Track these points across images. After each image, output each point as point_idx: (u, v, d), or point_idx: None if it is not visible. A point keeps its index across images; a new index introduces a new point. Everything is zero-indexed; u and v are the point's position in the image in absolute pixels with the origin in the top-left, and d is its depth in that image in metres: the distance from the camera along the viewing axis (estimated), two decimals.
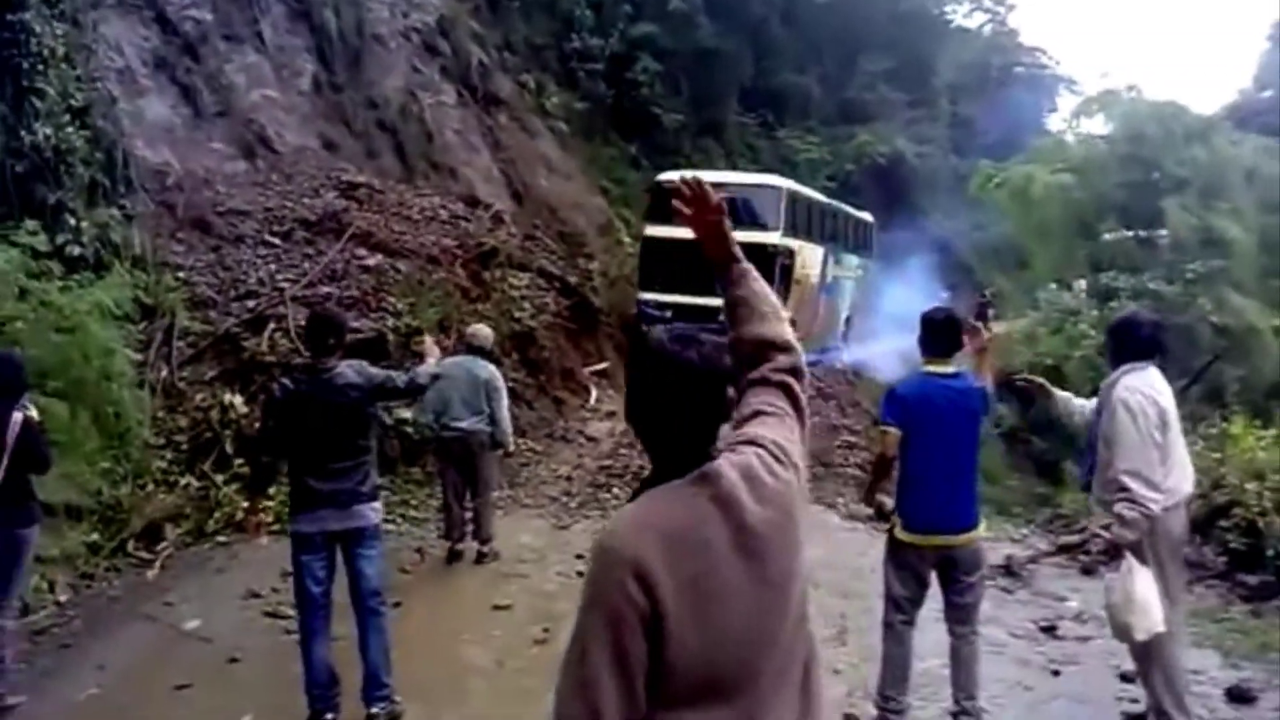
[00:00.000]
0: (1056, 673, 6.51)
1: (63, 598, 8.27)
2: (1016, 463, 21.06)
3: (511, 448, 9.80)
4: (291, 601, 6.16)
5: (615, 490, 11.87)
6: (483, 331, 9.61)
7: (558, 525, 10.47)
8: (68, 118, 11.35)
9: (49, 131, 11.00)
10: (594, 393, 16.44)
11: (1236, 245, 15.96)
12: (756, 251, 17.97)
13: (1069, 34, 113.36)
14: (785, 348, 2.60)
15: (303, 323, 12.51)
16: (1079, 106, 18.89)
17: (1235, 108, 50.64)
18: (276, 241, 14.15)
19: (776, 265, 18.76)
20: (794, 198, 20.81)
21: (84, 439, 9.81)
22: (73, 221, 11.06)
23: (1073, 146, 18.94)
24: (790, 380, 2.56)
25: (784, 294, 18.69)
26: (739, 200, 19.75)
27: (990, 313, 31.21)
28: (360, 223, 15.02)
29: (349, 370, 5.68)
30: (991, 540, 9.62)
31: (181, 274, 12.82)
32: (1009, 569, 8.88)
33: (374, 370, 5.89)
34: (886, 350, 21.90)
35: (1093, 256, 17.59)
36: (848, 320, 25.19)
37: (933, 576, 5.54)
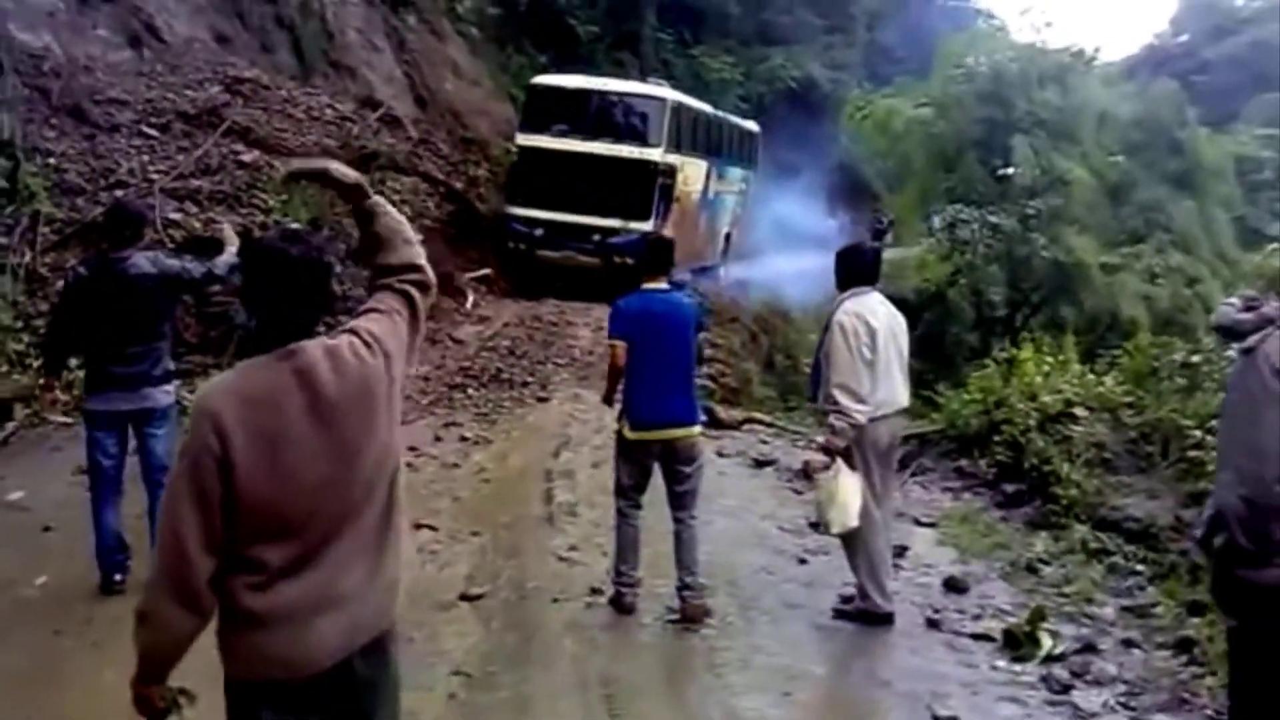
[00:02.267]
0: (803, 561, 7.18)
1: None
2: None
3: None
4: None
5: (470, 390, 12.32)
6: (295, 231, 9.65)
7: (402, 420, 10.87)
8: None
9: None
10: (470, 297, 16.77)
11: (1077, 185, 16.68)
12: (637, 168, 18.33)
13: None
14: (416, 269, 3.03)
15: (170, 215, 12.88)
16: (957, 44, 19.27)
17: (1152, 51, 51.56)
18: (153, 133, 14.17)
19: (656, 183, 18.70)
20: (678, 110, 20.34)
21: None
22: None
23: (934, 82, 19.43)
24: (412, 290, 3.01)
25: (663, 212, 18.84)
26: (620, 110, 19.79)
27: (886, 238, 32.02)
28: (240, 118, 15.07)
29: (143, 260, 6.02)
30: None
31: (52, 160, 12.88)
32: (806, 473, 9.51)
33: (170, 261, 6.25)
34: (770, 272, 22.43)
35: (952, 190, 18.24)
36: (727, 237, 24.75)
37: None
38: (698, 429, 6.22)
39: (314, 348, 2.74)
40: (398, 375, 2.89)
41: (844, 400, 5.67)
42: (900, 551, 7.37)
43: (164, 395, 6.13)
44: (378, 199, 3.12)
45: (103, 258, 6.09)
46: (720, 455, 10.22)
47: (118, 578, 6.05)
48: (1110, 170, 17.32)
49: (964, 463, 9.68)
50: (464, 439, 10.33)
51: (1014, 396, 9.61)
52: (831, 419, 5.74)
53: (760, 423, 11.64)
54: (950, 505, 8.93)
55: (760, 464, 9.94)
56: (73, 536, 6.50)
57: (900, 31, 40.87)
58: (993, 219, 16.66)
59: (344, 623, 2.73)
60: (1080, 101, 17.96)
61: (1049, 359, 10.40)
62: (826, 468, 5.78)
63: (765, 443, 10.82)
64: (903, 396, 6.08)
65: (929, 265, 21.80)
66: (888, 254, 30.80)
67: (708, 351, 15.07)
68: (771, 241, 24.31)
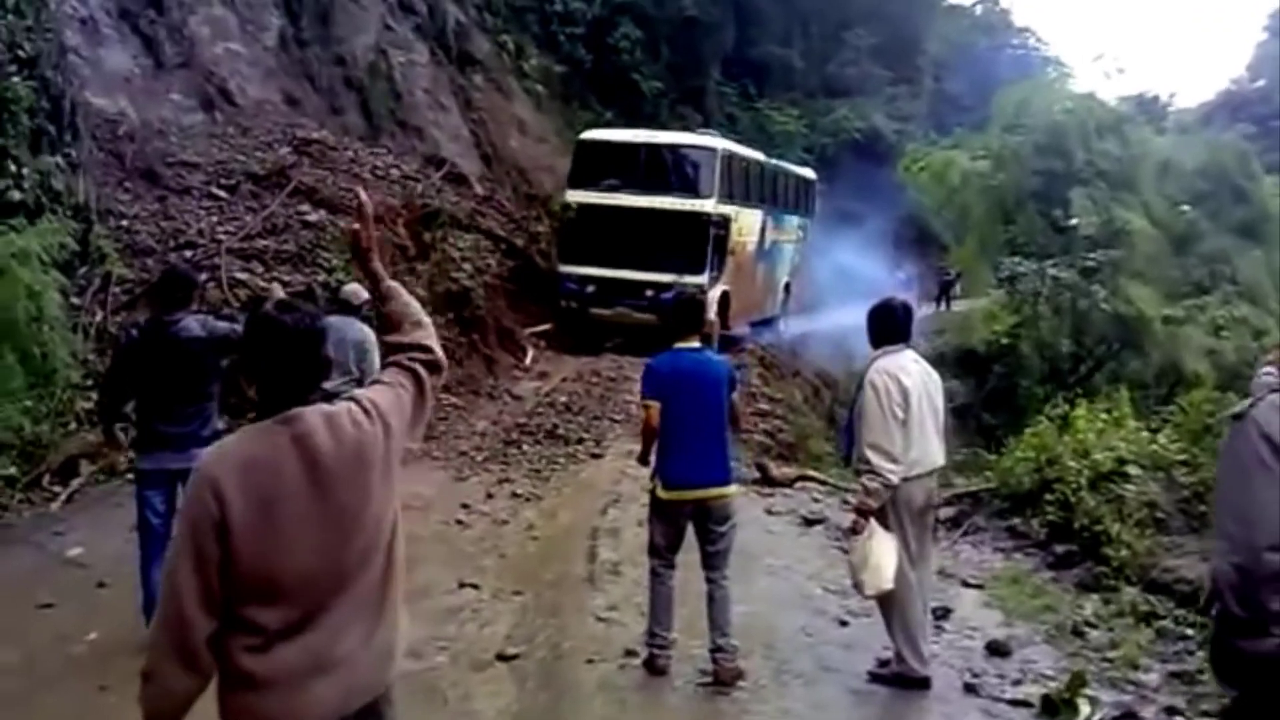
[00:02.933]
0: (844, 623, 7.12)
1: None
2: (966, 436, 21.64)
3: None
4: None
5: (525, 447, 12.45)
6: (351, 289, 9.44)
7: (457, 477, 11.03)
8: (14, 68, 11.84)
9: None
10: (530, 353, 16.97)
11: (1138, 236, 16.48)
12: (689, 221, 18.14)
13: (1065, 17, 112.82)
14: (425, 350, 3.16)
15: (236, 275, 13.22)
16: (1014, 95, 19.21)
17: (1229, 96, 50.86)
18: (222, 194, 14.63)
19: (710, 235, 18.39)
20: (729, 158, 19.98)
21: (8, 377, 10.33)
22: (14, 168, 11.54)
23: (992, 134, 19.36)
24: (419, 369, 3.13)
25: (718, 264, 18.63)
26: (670, 161, 19.57)
27: (954, 290, 31.77)
28: (307, 178, 15.51)
29: (193, 323, 6.24)
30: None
31: (125, 222, 13.34)
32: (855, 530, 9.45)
33: (219, 323, 6.44)
34: (833, 324, 22.28)
35: (1012, 241, 18.13)
36: (787, 287, 24.27)
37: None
38: (733, 488, 6.23)
39: (312, 414, 2.84)
40: (396, 446, 2.96)
41: (877, 460, 5.66)
42: (944, 613, 7.31)
43: None
44: (392, 285, 3.22)
45: (155, 320, 6.32)
46: (770, 513, 10.22)
47: None
48: (1174, 220, 17.11)
49: (1016, 522, 9.55)
50: (516, 495, 10.43)
51: (1066, 454, 9.48)
52: (864, 479, 5.73)
53: (813, 480, 11.58)
54: (1000, 566, 8.81)
55: (810, 522, 9.89)
56: (124, 594, 6.65)
57: (967, 81, 40.85)
58: (1052, 271, 16.51)
59: (338, 687, 2.79)
60: (1140, 152, 17.81)
61: (1103, 415, 10.26)
62: (858, 530, 5.78)
63: (817, 500, 10.77)
64: (938, 456, 6.04)
65: (998, 318, 21.63)
66: (957, 306, 30.54)
67: (763, 406, 15.19)
68: (835, 293, 24.19)
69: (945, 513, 10.02)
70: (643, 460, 6.22)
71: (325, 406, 2.91)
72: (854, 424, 5.98)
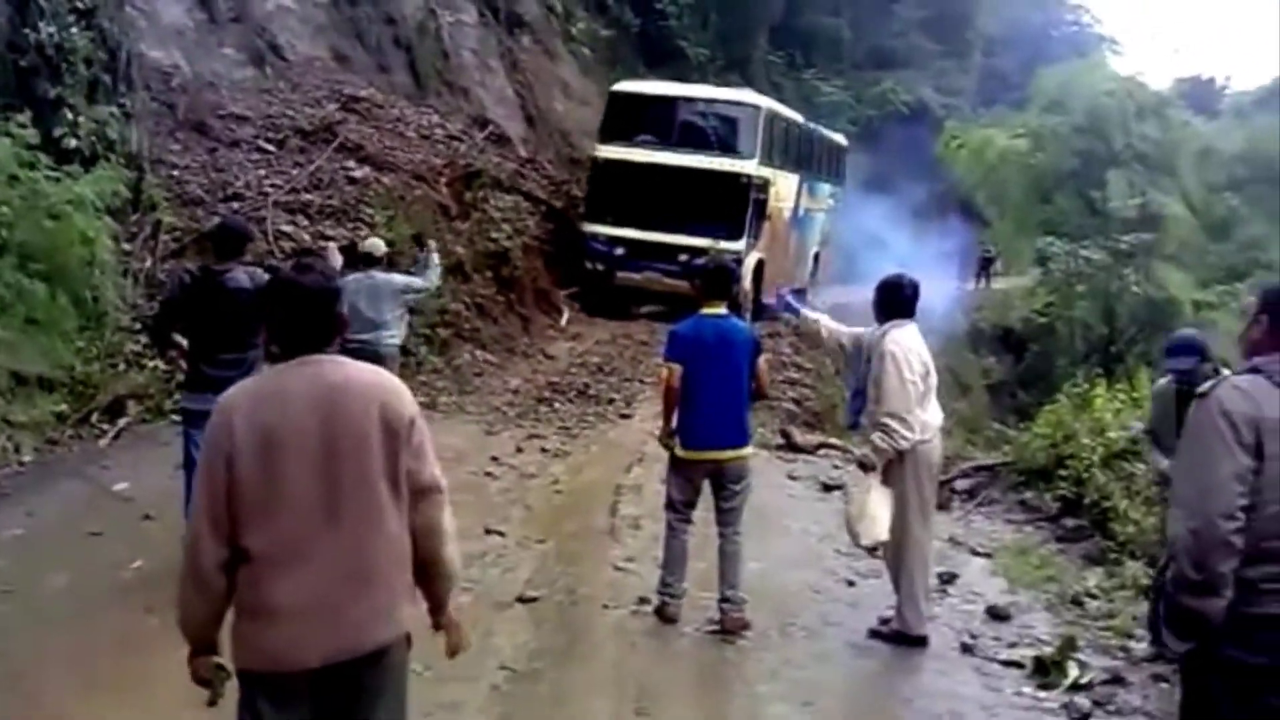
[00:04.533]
0: (851, 583, 7.39)
1: (26, 459, 9.24)
2: (1000, 413, 21.75)
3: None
4: None
5: (556, 405, 12.77)
6: (371, 243, 9.98)
7: (488, 431, 11.34)
8: (73, 18, 12.18)
9: (52, 30, 11.83)
10: (566, 314, 17.25)
11: (1173, 220, 16.51)
12: (728, 182, 17.55)
13: None
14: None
15: (281, 227, 13.58)
16: (1054, 76, 19.15)
17: None
18: (270, 148, 14.96)
19: (750, 199, 17.60)
20: (772, 118, 19.07)
21: (61, 318, 10.75)
22: (70, 116, 11.89)
23: (1031, 113, 19.34)
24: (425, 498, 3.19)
25: (755, 231, 18.07)
26: (711, 118, 18.63)
27: (994, 267, 31.72)
28: (353, 135, 15.81)
29: (242, 274, 6.58)
30: None
31: (175, 172, 13.71)
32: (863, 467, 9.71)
33: (266, 276, 6.77)
34: (863, 299, 22.27)
35: (1048, 221, 18.17)
36: (816, 257, 23.50)
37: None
38: (748, 450, 6.51)
39: (329, 359, 3.09)
40: (407, 442, 3.08)
41: (896, 425, 5.92)
42: (950, 578, 7.58)
43: None
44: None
45: (206, 269, 6.68)
46: (791, 478, 10.47)
47: None
48: (1212, 206, 17.09)
49: (1029, 495, 9.78)
50: (544, 451, 10.74)
51: (1082, 431, 9.68)
52: (876, 437, 5.98)
53: (835, 448, 11.82)
54: (1010, 537, 9.04)
55: (829, 488, 10.13)
56: (169, 526, 7.02)
57: (1018, 57, 40.51)
58: (1085, 253, 16.57)
59: (324, 632, 2.95)
60: (1180, 136, 17.77)
61: (1122, 395, 10.43)
62: (865, 469, 6.11)
63: (837, 467, 10.99)
64: (940, 417, 6.35)
65: (1038, 297, 21.63)
66: (997, 284, 30.34)
67: (792, 374, 15.41)
68: (871, 264, 24.21)
69: (961, 484, 10.29)
70: (665, 415, 6.46)
71: (346, 359, 3.14)
72: (866, 392, 6.22)
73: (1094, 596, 7.43)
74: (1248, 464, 3.22)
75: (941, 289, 24.97)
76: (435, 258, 10.30)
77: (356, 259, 9.85)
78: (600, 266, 18.06)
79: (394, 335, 9.60)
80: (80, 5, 12.29)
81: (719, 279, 6.52)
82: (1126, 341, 17.38)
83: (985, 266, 31.98)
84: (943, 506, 9.64)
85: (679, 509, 6.41)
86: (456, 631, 3.37)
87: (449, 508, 3.21)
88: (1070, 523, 8.95)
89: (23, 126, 10.86)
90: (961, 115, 34.95)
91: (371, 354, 9.52)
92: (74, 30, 12.05)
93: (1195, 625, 3.31)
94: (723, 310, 6.41)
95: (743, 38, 32.13)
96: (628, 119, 18.84)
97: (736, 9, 31.63)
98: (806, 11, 34.71)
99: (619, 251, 17.78)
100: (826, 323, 7.02)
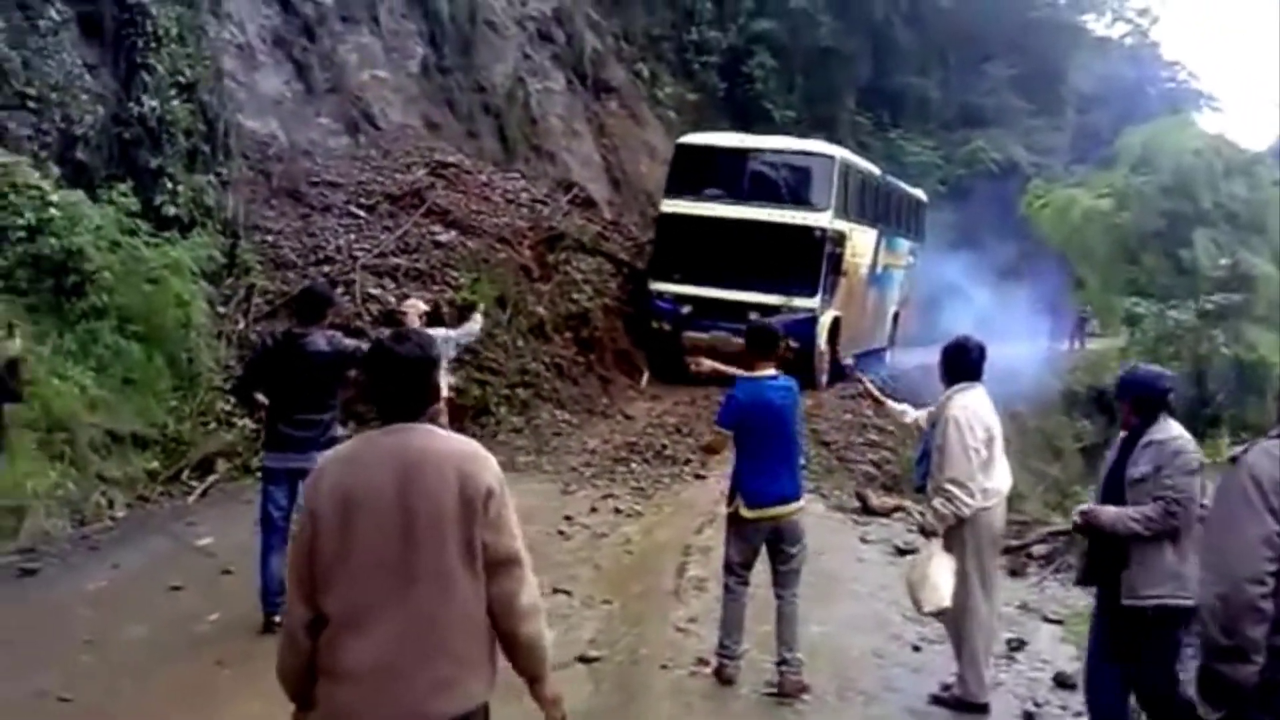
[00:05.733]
0: (917, 648, 7.33)
1: (119, 514, 9.63)
2: (1094, 477, 21.20)
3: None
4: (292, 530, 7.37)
5: (633, 465, 12.84)
6: (410, 304, 10.50)
7: (564, 491, 11.46)
8: (174, 92, 12.78)
9: (155, 104, 12.44)
10: (645, 375, 17.36)
11: (1264, 281, 16.17)
12: (801, 236, 16.93)
13: (1219, 50, 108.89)
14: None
15: (370, 290, 13.97)
16: (1140, 135, 18.95)
17: None
18: (360, 213, 15.46)
19: (824, 253, 16.90)
20: (847, 169, 18.18)
21: (157, 378, 11.25)
22: (170, 185, 12.49)
23: (1117, 173, 19.11)
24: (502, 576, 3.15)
25: (830, 287, 17.39)
26: (783, 170, 17.93)
27: (1087, 327, 31.18)
28: (441, 200, 16.26)
29: (321, 339, 6.87)
30: None
31: (269, 237, 14.24)
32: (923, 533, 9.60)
33: (346, 341, 7.11)
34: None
35: (1135, 282, 17.91)
36: (895, 317, 22.69)
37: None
38: (803, 502, 6.60)
39: (418, 428, 3.16)
40: (487, 517, 3.07)
41: (957, 492, 5.93)
42: (1019, 645, 7.48)
43: None
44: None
45: (288, 332, 7.01)
46: (864, 541, 10.42)
47: (277, 619, 6.76)
48: None
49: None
50: (618, 511, 10.82)
51: None
52: (938, 503, 5.99)
53: (910, 511, 11.72)
54: (1084, 604, 8.83)
55: (903, 552, 10.02)
56: (246, 580, 7.27)
57: (1112, 114, 40.04)
58: (1172, 314, 16.30)
59: (387, 697, 2.98)
60: (1270, 195, 17.46)
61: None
62: (925, 535, 6.15)
63: (912, 531, 10.90)
64: (1007, 484, 6.35)
65: (1129, 358, 21.14)
66: (1091, 345, 29.68)
67: (873, 437, 15.32)
68: (958, 325, 23.88)
69: (1038, 550, 10.13)
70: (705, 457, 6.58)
71: (434, 428, 3.20)
72: (931, 455, 6.24)
73: None
74: (1275, 528, 3.22)
75: (1031, 350, 24.67)
76: (479, 318, 10.76)
77: (435, 319, 10.20)
78: (667, 326, 17.39)
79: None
80: (182, 79, 12.92)
81: (765, 339, 6.61)
82: (1219, 405, 16.97)
83: (1080, 326, 31.46)
84: (1016, 572, 9.56)
85: (736, 571, 6.47)
86: (553, 708, 3.26)
87: (530, 583, 3.15)
88: None
89: (124, 195, 11.46)
90: (1053, 173, 34.53)
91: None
92: (175, 103, 12.68)
93: (1228, 692, 3.30)
94: (772, 371, 6.49)
95: (829, 99, 32.26)
96: (695, 172, 18.25)
97: (823, 70, 31.84)
98: (894, 72, 34.72)
99: (686, 310, 17.15)
100: (906, 412, 7.16)
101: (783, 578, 6.43)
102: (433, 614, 3.02)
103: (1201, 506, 4.96)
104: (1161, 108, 41.98)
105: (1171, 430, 5.22)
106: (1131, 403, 5.38)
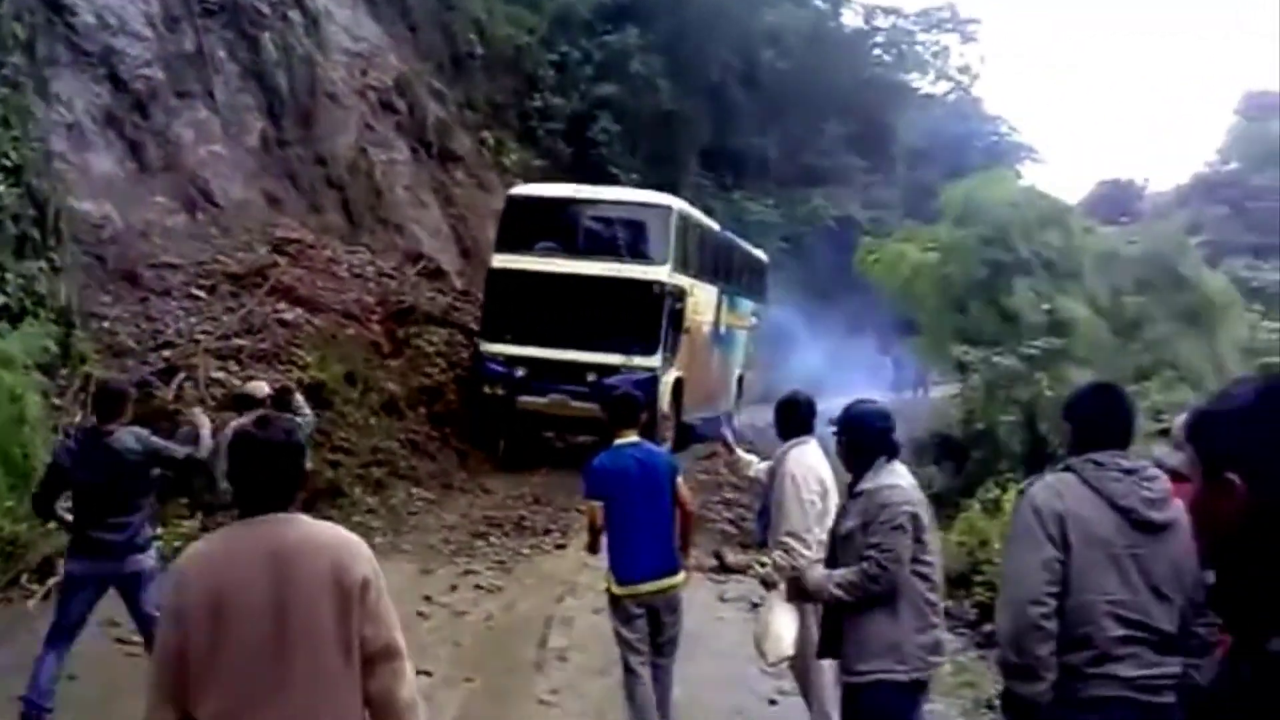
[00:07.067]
0: (773, 702, 7.52)
1: None
2: (943, 523, 21.84)
3: None
4: (134, 628, 7.10)
5: (493, 539, 12.75)
6: (252, 386, 9.87)
7: (423, 570, 11.33)
8: (0, 176, 12.40)
9: None
10: (502, 445, 17.30)
11: (1082, 324, 17.09)
12: (639, 291, 16.07)
13: (1038, 103, 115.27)
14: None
15: (212, 374, 13.67)
16: (960, 189, 19.94)
17: (1203, 178, 51.89)
18: (201, 294, 15.13)
19: (664, 308, 16.16)
20: (685, 221, 17.58)
21: None
22: None
23: (941, 226, 20.05)
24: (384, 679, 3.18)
25: (671, 343, 16.65)
26: (619, 222, 17.25)
27: (929, 376, 32.26)
28: (285, 278, 16.03)
29: (128, 436, 6.64)
30: None
31: (106, 324, 13.81)
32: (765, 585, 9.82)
33: (154, 440, 6.87)
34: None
35: (963, 330, 18.70)
36: (740, 380, 22.23)
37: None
38: (680, 576, 6.61)
39: (286, 518, 3.11)
40: (367, 609, 3.06)
41: (794, 545, 6.09)
42: None
43: (148, 560, 6.74)
44: None
45: (91, 430, 6.79)
46: (721, 600, 10.57)
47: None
48: (1118, 308, 17.71)
49: (949, 604, 9.92)
50: (478, 587, 10.75)
51: (994, 537, 9.91)
52: (776, 555, 6.15)
53: (754, 565, 11.95)
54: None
55: (758, 607, 10.23)
56: (93, 687, 7.03)
57: (940, 168, 41.74)
58: (996, 359, 17.07)
59: None
60: (1081, 243, 18.55)
61: None
62: (767, 587, 6.29)
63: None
64: None
65: (963, 404, 21.96)
66: (934, 393, 30.71)
67: (728, 495, 15.55)
68: (810, 382, 24.46)
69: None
70: (591, 549, 6.59)
71: (305, 517, 3.18)
72: (769, 511, 6.43)
73: None
74: (1053, 554, 3.52)
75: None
76: (299, 398, 9.80)
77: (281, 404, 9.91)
78: (500, 390, 16.17)
79: None
80: (7, 163, 12.51)
81: (626, 406, 6.70)
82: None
83: (923, 375, 32.54)
84: None
85: (636, 648, 6.37)
86: None
87: (409, 677, 3.14)
88: (988, 628, 9.06)
89: None
90: (888, 227, 35.69)
91: None
92: (1, 188, 12.26)
93: (1024, 710, 3.56)
94: (635, 438, 6.54)
95: (672, 161, 32.82)
96: (526, 226, 17.24)
97: (665, 133, 32.42)
98: (735, 133, 35.56)
99: (520, 373, 16.08)
100: (751, 464, 7.40)
101: (661, 648, 6.47)
102: (313, 714, 2.99)
103: (920, 562, 4.65)
104: (986, 161, 43.87)
105: (882, 479, 4.76)
106: (845, 445, 4.98)
